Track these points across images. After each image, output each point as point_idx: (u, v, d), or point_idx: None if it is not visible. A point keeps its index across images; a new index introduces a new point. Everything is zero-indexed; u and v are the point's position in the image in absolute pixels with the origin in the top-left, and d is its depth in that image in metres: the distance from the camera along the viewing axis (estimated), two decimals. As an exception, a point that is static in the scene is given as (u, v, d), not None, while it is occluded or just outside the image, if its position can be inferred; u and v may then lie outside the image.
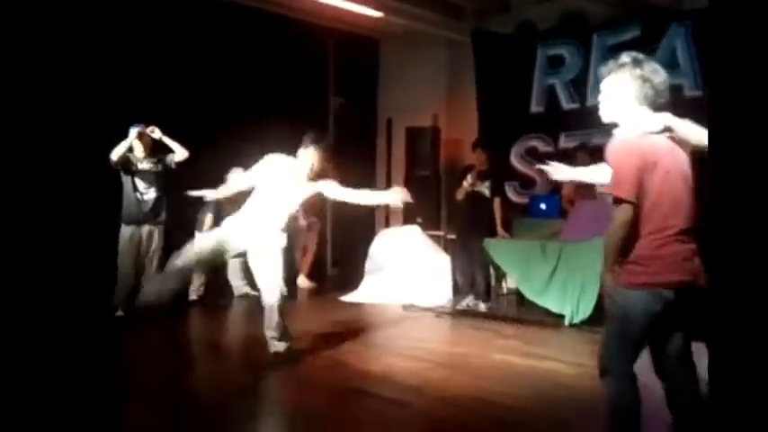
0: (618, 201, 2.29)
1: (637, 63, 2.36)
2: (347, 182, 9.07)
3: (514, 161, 7.57)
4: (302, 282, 7.92)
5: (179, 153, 5.75)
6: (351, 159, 9.17)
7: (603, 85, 2.48)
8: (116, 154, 5.49)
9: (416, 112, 8.32)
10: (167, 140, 5.73)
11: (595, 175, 2.87)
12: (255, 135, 7.49)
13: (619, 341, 2.34)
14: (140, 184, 5.67)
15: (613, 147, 2.39)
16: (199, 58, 7.14)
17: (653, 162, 2.27)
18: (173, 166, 5.76)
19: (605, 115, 2.49)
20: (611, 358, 2.35)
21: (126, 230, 5.64)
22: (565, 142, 7.09)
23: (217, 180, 6.66)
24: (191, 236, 6.53)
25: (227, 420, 3.31)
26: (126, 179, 5.64)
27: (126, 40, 6.50)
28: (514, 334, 5.34)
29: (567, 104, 7.19)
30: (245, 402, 3.65)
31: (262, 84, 7.82)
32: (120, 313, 5.58)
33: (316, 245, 8.07)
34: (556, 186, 6.54)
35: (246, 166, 6.65)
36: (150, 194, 5.67)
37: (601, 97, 2.50)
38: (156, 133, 5.67)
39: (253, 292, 6.96)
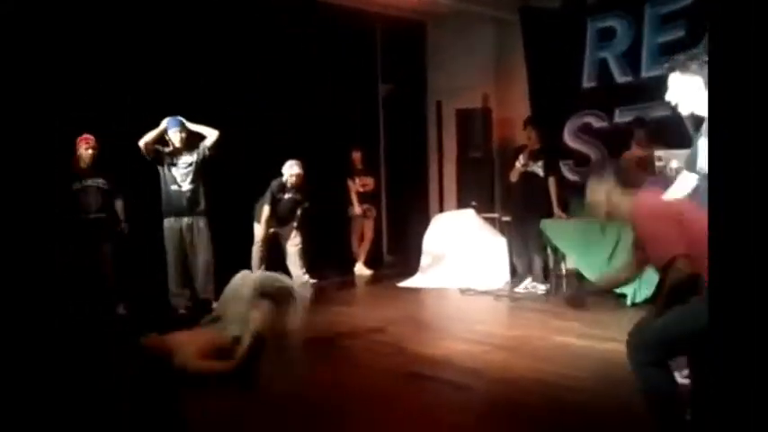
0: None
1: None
2: (399, 168, 9.15)
3: (568, 139, 7.42)
4: (359, 269, 8.02)
5: (209, 135, 5.69)
6: (401, 145, 9.22)
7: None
8: (144, 141, 5.47)
9: (466, 94, 8.23)
10: (192, 126, 5.71)
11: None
12: (304, 125, 7.61)
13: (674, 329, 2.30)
14: (177, 175, 5.66)
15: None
16: (243, 48, 7.18)
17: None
18: (207, 152, 5.71)
19: None
20: (653, 342, 2.33)
21: (167, 223, 5.67)
22: (620, 117, 6.90)
23: (272, 171, 6.83)
24: (249, 227, 6.76)
25: (287, 408, 3.40)
26: (162, 172, 5.65)
27: (154, 28, 6.44)
28: (574, 315, 5.22)
29: (620, 78, 6.98)
30: (305, 389, 3.73)
31: (309, 73, 7.86)
32: (182, 311, 5.64)
33: (372, 231, 8.15)
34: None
35: (298, 156, 6.80)
36: (187, 185, 5.67)
37: None
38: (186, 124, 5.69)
39: (312, 280, 7.10)
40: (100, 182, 5.53)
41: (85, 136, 5.51)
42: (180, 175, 5.68)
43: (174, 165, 5.68)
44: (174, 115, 5.68)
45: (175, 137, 5.66)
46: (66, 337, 4.81)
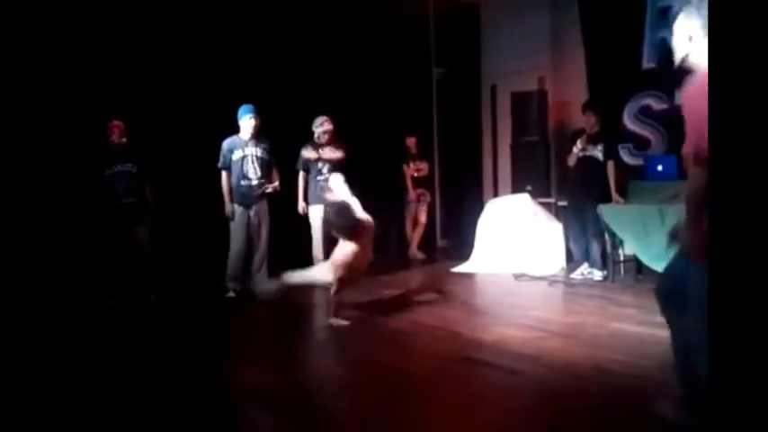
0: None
1: None
2: (453, 153, 9.08)
3: (628, 121, 7.25)
4: (413, 253, 8.05)
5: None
6: (455, 130, 9.15)
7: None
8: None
9: (521, 77, 8.11)
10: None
11: None
12: (358, 111, 7.64)
13: None
14: (249, 170, 5.80)
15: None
16: (295, 33, 7.21)
17: None
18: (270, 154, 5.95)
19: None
20: None
21: (238, 209, 5.80)
22: (681, 98, 6.69)
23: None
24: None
25: (341, 391, 3.46)
26: (236, 165, 5.78)
27: (193, 11, 6.49)
28: (632, 302, 5.17)
29: (681, 58, 6.76)
30: (358, 373, 3.79)
31: (362, 58, 7.87)
32: (231, 294, 5.78)
33: (426, 216, 8.15)
34: (674, 146, 6.22)
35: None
36: (256, 180, 5.81)
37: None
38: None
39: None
40: (130, 167, 5.66)
41: (116, 123, 5.61)
42: (251, 170, 5.80)
43: (247, 157, 5.81)
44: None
45: (249, 123, 5.78)
46: (93, 325, 4.98)
